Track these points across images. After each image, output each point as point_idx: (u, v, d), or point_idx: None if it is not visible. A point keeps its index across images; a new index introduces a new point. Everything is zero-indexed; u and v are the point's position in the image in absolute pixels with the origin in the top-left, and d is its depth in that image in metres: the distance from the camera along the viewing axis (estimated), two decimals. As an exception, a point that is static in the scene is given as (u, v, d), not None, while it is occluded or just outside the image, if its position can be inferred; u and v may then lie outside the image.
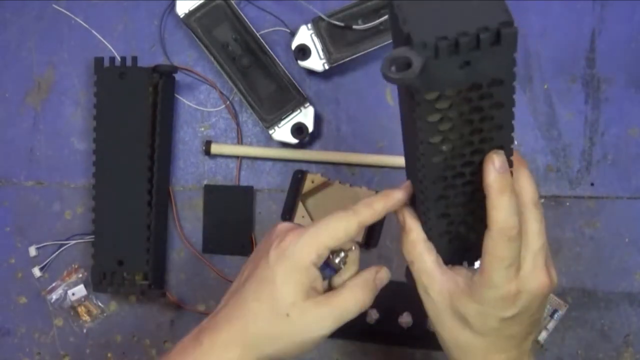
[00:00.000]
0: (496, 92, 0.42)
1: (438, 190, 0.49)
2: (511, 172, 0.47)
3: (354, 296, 0.53)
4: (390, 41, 0.78)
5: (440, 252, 0.53)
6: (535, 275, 0.49)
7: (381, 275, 0.56)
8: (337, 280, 0.55)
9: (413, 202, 0.54)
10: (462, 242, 0.53)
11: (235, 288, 0.55)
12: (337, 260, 0.55)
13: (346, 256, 0.55)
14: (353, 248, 0.56)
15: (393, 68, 0.38)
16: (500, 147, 0.46)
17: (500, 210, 0.46)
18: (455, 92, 0.42)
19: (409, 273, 0.55)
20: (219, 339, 0.52)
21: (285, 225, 0.55)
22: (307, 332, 0.52)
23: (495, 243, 0.47)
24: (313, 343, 0.52)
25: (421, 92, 0.42)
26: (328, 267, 0.54)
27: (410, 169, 0.52)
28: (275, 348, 0.52)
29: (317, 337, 0.52)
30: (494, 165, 0.45)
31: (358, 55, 0.79)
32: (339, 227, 0.52)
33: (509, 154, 0.47)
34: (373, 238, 0.80)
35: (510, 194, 0.46)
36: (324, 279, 0.54)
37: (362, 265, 0.81)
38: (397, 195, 0.53)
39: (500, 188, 0.46)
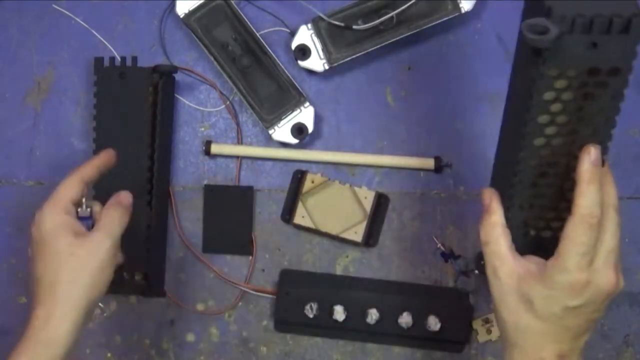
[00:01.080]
0: (612, 81, 0.47)
1: (531, 177, 0.52)
2: None
3: (109, 214, 0.63)
4: (390, 41, 0.79)
5: (514, 243, 0.55)
6: (605, 271, 0.51)
7: (123, 195, 0.65)
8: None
9: (499, 186, 0.56)
10: (537, 239, 0.55)
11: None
12: (83, 208, 0.64)
13: (87, 205, 0.64)
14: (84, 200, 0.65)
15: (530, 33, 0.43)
16: (600, 143, 0.50)
17: (586, 197, 0.49)
18: (575, 73, 0.46)
19: (479, 259, 0.57)
20: (34, 307, 0.61)
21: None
22: (94, 256, 0.61)
23: (576, 228, 0.50)
24: (102, 266, 0.61)
25: (547, 65, 0.45)
26: (84, 219, 0.64)
27: (507, 152, 0.55)
28: (81, 291, 0.60)
29: (103, 259, 0.61)
30: (590, 156, 0.49)
31: (358, 55, 0.79)
32: (66, 184, 0.63)
33: (604, 151, 0.50)
34: (373, 238, 0.81)
35: (598, 186, 0.49)
36: (89, 228, 0.64)
37: (362, 266, 0.82)
38: (104, 161, 0.67)
39: (590, 178, 0.49)
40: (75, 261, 0.60)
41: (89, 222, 0.64)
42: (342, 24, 0.78)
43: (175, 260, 0.82)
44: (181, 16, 0.79)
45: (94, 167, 0.65)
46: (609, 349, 0.79)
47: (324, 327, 0.79)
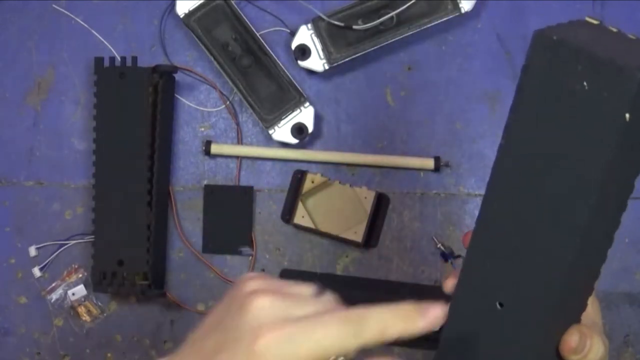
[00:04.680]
0: None
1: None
2: None
3: None
4: (390, 41, 0.79)
5: None
6: None
7: None
8: None
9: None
10: None
11: (195, 355, 0.41)
12: None
13: None
14: None
15: None
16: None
17: None
18: None
19: None
20: None
21: (259, 295, 0.39)
22: None
23: None
24: None
25: None
26: None
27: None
28: None
29: None
30: None
31: (358, 55, 0.79)
32: (334, 344, 0.38)
33: None
34: (373, 238, 0.81)
35: None
36: None
37: (362, 266, 0.82)
38: (421, 326, 0.41)
39: None
40: None
41: None
42: (342, 24, 0.78)
43: (175, 260, 0.82)
44: (181, 16, 0.79)
45: (388, 338, 0.41)
46: (609, 349, 0.78)
47: (324, 327, 0.79)
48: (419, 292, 0.80)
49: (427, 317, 0.40)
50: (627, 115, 0.34)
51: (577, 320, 0.42)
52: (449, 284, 0.45)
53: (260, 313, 0.38)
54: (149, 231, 0.77)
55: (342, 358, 0.38)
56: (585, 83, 0.35)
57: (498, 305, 0.42)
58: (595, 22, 0.39)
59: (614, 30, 0.38)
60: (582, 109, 0.35)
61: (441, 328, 0.44)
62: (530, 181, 0.39)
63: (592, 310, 0.44)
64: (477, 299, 0.43)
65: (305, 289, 0.42)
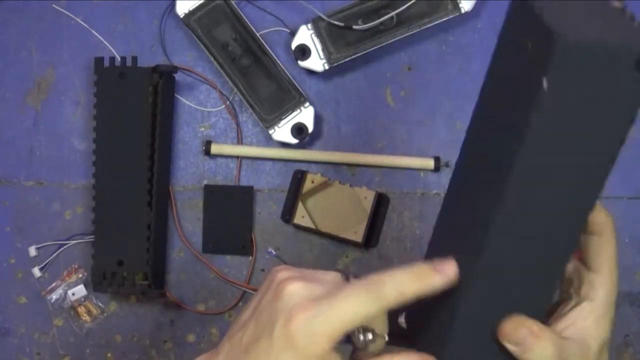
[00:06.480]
0: None
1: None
2: None
3: None
4: (390, 41, 0.79)
5: None
6: None
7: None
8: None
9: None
10: None
11: (234, 349, 0.45)
12: (361, 338, 0.44)
13: (374, 340, 0.45)
14: (386, 338, 0.46)
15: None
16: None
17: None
18: None
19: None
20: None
21: (290, 282, 0.43)
22: None
23: None
24: None
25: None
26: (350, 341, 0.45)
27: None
28: None
29: None
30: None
31: (358, 55, 0.79)
32: (358, 312, 0.41)
33: None
34: (373, 238, 0.81)
35: None
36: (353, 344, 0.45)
37: (362, 266, 0.82)
38: (438, 281, 0.42)
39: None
40: None
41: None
42: (342, 24, 0.78)
43: (175, 260, 0.82)
44: (181, 16, 0.79)
45: (407, 299, 0.42)
46: (609, 348, 0.79)
47: (324, 327, 0.79)
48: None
49: (443, 273, 0.42)
50: (545, 82, 0.32)
51: (537, 312, 0.41)
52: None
53: (291, 298, 0.43)
54: (149, 231, 0.77)
55: (369, 334, 0.44)
56: (529, 44, 0.35)
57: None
58: None
59: (618, 5, 0.37)
60: (523, 69, 0.35)
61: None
62: (489, 138, 0.39)
63: (594, 325, 0.45)
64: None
65: (331, 276, 0.46)
